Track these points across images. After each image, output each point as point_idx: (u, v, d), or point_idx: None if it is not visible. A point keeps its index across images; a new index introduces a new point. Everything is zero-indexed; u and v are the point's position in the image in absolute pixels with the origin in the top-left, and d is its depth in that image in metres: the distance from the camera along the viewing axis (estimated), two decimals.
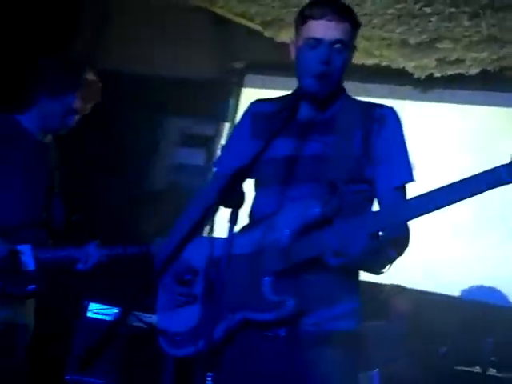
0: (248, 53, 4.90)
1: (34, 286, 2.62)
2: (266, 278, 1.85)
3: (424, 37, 4.09)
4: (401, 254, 1.92)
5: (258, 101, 2.11)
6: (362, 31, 4.41)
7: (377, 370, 3.75)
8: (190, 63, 5.02)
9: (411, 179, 1.96)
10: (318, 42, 1.91)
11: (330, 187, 1.88)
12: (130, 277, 2.85)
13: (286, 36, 4.40)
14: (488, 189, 1.64)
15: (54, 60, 2.76)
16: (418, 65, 4.30)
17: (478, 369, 3.68)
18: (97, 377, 3.59)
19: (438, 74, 4.33)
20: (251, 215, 2.03)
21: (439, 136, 4.47)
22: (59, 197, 2.82)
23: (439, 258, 4.42)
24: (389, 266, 1.89)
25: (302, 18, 1.95)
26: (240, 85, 5.01)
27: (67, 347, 3.71)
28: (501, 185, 1.63)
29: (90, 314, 3.77)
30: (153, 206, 4.57)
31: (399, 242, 1.92)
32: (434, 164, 4.29)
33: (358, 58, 4.53)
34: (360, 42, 4.54)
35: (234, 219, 1.59)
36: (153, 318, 3.52)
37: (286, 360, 1.86)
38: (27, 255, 2.61)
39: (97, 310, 3.76)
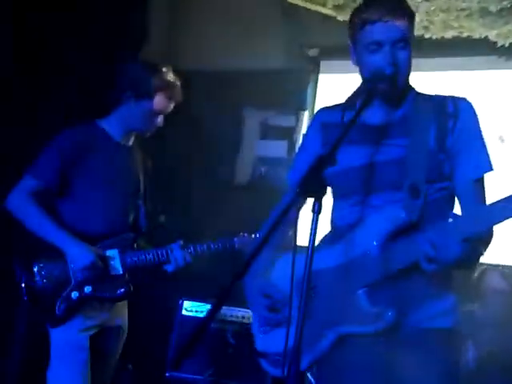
0: (321, 39, 4.83)
1: (123, 290, 2.69)
2: (361, 290, 1.82)
3: (505, 3, 3.90)
4: (487, 248, 1.87)
5: (325, 109, 2.08)
6: (439, 4, 4.23)
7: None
8: (264, 55, 5.01)
9: (488, 170, 1.91)
10: (379, 45, 1.85)
11: (412, 191, 1.83)
12: (220, 271, 2.88)
13: None
14: None
15: (135, 63, 2.80)
16: (501, 32, 4.09)
17: None
18: (196, 373, 3.64)
19: None
20: (333, 226, 2.00)
21: None
22: (142, 199, 2.87)
23: None
24: (478, 261, 1.85)
25: (358, 23, 1.89)
26: (316, 72, 4.94)
27: (166, 345, 3.78)
28: None
29: (185, 312, 3.82)
30: (238, 199, 4.59)
31: (486, 239, 1.86)
32: None
33: (436, 32, 4.37)
34: (437, 15, 4.39)
35: (317, 209, 1.56)
36: (242, 312, 3.55)
37: (387, 362, 1.83)
38: (115, 260, 2.67)
39: (191, 308, 3.81)
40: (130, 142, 2.85)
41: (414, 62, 1.98)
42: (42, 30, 3.55)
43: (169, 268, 2.76)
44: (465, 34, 4.27)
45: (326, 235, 2.00)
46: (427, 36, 4.41)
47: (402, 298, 1.81)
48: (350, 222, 1.91)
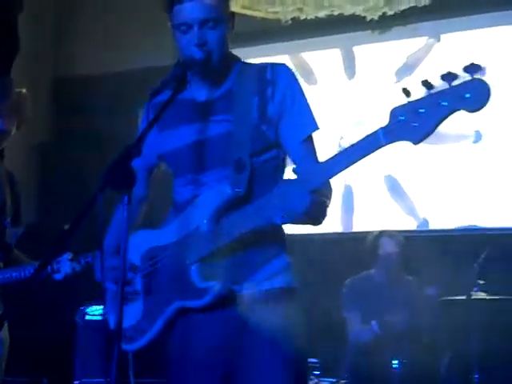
0: None
1: None
2: (194, 266, 1.88)
3: None
4: (330, 201, 1.92)
5: (154, 92, 1.94)
6: None
7: (374, 321, 3.78)
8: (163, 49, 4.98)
9: (313, 128, 1.96)
10: (187, 26, 1.87)
11: (237, 165, 1.89)
12: None
13: None
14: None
15: None
16: (367, 7, 4.22)
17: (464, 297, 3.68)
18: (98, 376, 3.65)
19: None
20: (173, 202, 2.04)
21: None
22: (10, 216, 2.82)
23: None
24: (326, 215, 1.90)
25: (169, 4, 1.90)
26: None
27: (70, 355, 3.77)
28: (380, 147, 1.62)
29: (88, 317, 3.82)
30: None
31: (328, 193, 1.92)
32: None
33: (311, 11, 4.43)
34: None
35: (126, 201, 1.57)
36: None
37: (233, 330, 1.89)
38: None
39: (93, 312, 3.80)
40: None
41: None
42: None
43: (57, 276, 2.75)
44: (336, 13, 4.37)
45: (170, 211, 2.04)
46: (302, 18, 4.49)
47: (233, 269, 1.87)
48: (187, 198, 1.96)
